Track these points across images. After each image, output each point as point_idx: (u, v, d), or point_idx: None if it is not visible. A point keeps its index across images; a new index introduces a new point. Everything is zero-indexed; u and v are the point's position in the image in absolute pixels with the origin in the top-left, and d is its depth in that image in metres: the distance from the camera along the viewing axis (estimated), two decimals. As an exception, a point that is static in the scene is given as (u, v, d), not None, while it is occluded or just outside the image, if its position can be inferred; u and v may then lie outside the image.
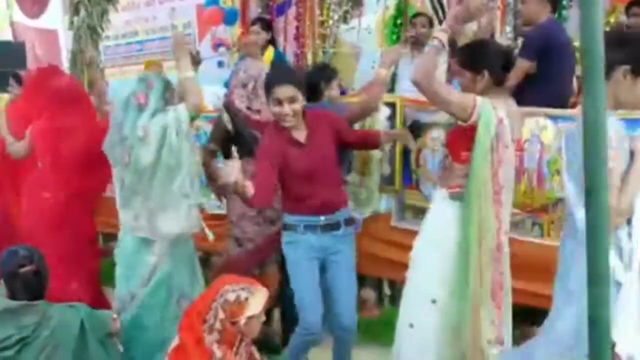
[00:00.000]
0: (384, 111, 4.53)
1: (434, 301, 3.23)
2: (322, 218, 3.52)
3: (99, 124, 4.40)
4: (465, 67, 3.22)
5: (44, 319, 3.02)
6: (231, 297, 2.75)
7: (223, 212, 4.49)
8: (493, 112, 3.05)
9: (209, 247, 4.67)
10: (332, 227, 3.55)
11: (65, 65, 7.23)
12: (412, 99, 4.74)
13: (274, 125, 3.54)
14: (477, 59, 3.19)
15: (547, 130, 4.10)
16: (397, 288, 4.61)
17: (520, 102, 4.49)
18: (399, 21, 6.79)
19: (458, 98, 3.09)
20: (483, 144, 3.05)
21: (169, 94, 3.75)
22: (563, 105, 4.47)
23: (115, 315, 3.44)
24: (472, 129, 3.06)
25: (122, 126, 3.67)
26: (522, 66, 4.64)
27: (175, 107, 3.67)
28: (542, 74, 4.65)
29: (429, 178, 4.46)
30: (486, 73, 3.15)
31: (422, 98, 4.60)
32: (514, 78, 4.63)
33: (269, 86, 3.49)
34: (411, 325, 3.34)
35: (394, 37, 6.83)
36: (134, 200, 3.67)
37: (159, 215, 3.64)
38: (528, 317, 4.05)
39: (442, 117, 4.30)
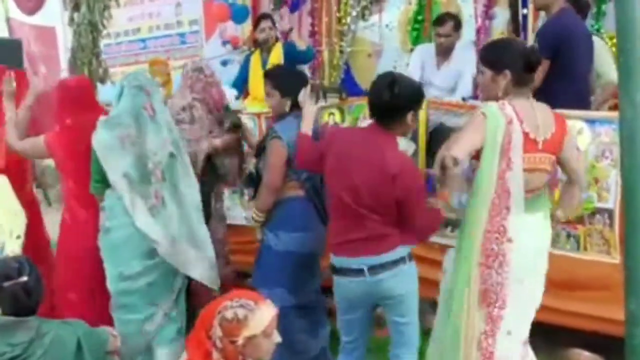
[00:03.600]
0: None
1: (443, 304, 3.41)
2: None
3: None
4: (486, 65, 3.31)
5: (38, 336, 3.01)
6: (229, 314, 2.71)
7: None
8: (500, 112, 3.15)
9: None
10: None
11: (63, 63, 7.28)
12: (438, 101, 4.73)
13: None
14: (499, 58, 3.27)
15: (582, 135, 4.07)
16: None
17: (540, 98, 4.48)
18: (420, 17, 6.75)
19: (472, 128, 3.20)
20: (490, 146, 3.14)
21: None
22: (582, 104, 4.42)
23: (115, 332, 3.44)
24: None
25: (141, 144, 3.84)
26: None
27: None
28: (556, 72, 4.57)
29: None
30: (508, 73, 3.22)
31: (449, 100, 4.62)
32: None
33: None
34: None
35: (415, 34, 6.80)
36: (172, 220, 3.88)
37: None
38: (569, 340, 4.03)
39: (469, 120, 4.28)
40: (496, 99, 3.26)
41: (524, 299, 3.30)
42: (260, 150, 4.14)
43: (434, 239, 4.28)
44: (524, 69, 3.24)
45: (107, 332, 3.39)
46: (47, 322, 3.11)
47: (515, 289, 3.24)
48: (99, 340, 3.27)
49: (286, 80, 4.08)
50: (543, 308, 4.00)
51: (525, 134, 3.16)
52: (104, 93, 5.83)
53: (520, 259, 3.23)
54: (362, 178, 3.39)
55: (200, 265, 3.96)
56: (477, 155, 3.22)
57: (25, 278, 3.02)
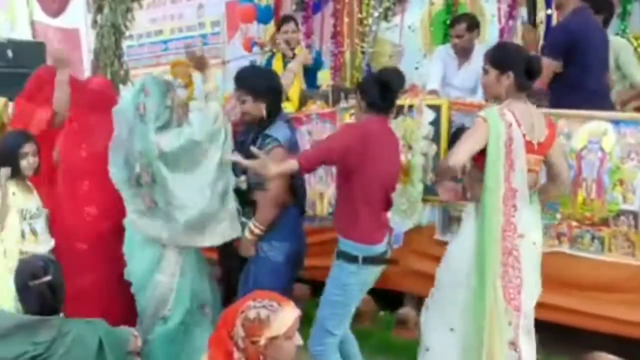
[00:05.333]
0: (428, 115, 4.51)
1: (463, 307, 3.51)
2: None
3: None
4: (492, 64, 3.53)
5: (60, 335, 3.04)
6: (251, 314, 2.70)
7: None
8: (500, 117, 3.38)
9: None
10: None
11: (86, 65, 7.36)
12: (460, 102, 4.72)
13: None
14: (505, 59, 3.51)
15: (607, 136, 4.05)
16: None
17: (553, 103, 4.47)
18: (446, 17, 6.71)
19: (472, 136, 3.43)
20: (494, 150, 3.37)
21: (170, 100, 3.91)
22: (600, 104, 4.40)
23: (136, 333, 3.46)
24: None
25: (130, 143, 3.83)
26: (547, 65, 4.55)
27: (189, 123, 3.85)
28: (571, 73, 4.57)
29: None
30: (511, 74, 3.46)
31: (471, 101, 4.61)
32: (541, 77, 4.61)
33: None
34: (452, 329, 3.59)
35: (441, 35, 6.78)
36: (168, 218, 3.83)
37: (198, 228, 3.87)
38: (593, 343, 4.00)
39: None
40: (500, 98, 3.51)
41: (528, 291, 3.48)
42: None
43: (445, 237, 4.38)
44: (525, 74, 3.47)
45: (129, 332, 3.41)
46: (69, 321, 3.14)
47: (525, 282, 3.45)
48: (121, 340, 3.29)
49: (258, 82, 3.93)
50: (566, 310, 4.00)
51: (523, 136, 3.41)
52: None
53: (528, 253, 3.48)
54: (395, 166, 3.79)
55: (219, 231, 3.92)
56: (478, 158, 3.43)
57: (50, 277, 3.06)
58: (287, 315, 2.71)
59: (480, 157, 3.43)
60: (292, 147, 3.90)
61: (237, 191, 3.94)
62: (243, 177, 3.93)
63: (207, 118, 3.84)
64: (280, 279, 3.83)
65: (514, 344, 3.47)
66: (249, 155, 3.59)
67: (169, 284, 3.91)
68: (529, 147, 3.44)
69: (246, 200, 3.94)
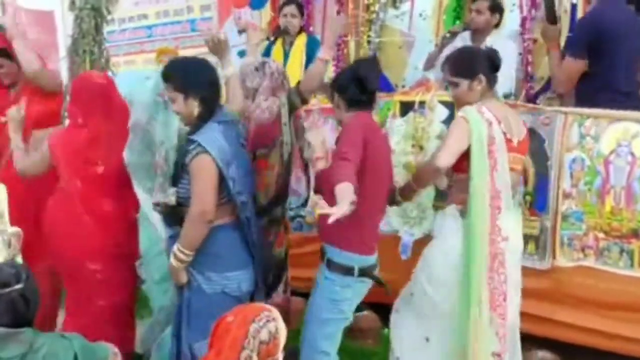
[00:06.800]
0: (440, 112, 4.50)
1: (443, 316, 3.73)
2: None
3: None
4: (460, 75, 3.78)
5: (31, 351, 3.01)
6: (263, 335, 2.78)
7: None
8: (480, 116, 3.64)
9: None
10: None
11: (62, 51, 7.32)
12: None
13: None
14: (471, 65, 3.78)
15: (639, 138, 4.05)
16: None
17: (579, 102, 4.47)
18: (459, 3, 6.70)
19: (455, 137, 3.66)
20: (477, 150, 3.60)
21: None
22: (630, 107, 4.37)
23: (116, 350, 3.45)
24: None
25: (150, 131, 3.90)
26: (570, 66, 4.62)
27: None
28: (597, 72, 4.57)
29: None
30: (482, 77, 3.74)
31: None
32: (563, 79, 4.63)
33: None
34: (427, 340, 3.81)
35: (452, 21, 6.76)
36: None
37: None
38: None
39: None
40: (473, 104, 3.72)
41: (512, 297, 3.71)
42: (179, 171, 3.77)
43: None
44: (492, 70, 3.79)
45: (108, 349, 3.39)
46: (41, 336, 3.11)
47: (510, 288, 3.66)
48: (98, 357, 3.28)
49: (188, 76, 3.68)
50: (590, 331, 4.00)
51: (504, 134, 3.66)
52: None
53: (512, 257, 3.70)
54: (390, 164, 3.95)
55: None
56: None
57: (22, 285, 3.04)
58: (280, 318, 2.89)
59: (460, 160, 3.65)
60: (223, 154, 3.63)
61: (165, 207, 3.77)
62: (172, 190, 3.74)
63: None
64: (220, 312, 3.45)
65: (499, 356, 3.63)
66: (178, 163, 3.71)
67: None
68: (509, 145, 3.68)
69: (176, 218, 3.74)
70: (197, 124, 3.69)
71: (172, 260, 3.66)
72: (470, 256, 3.60)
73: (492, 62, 3.79)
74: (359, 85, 3.72)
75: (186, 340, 3.75)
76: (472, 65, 3.77)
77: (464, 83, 3.76)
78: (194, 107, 3.65)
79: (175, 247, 3.63)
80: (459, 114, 3.71)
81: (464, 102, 3.78)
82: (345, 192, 3.21)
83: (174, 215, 3.74)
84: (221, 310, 3.55)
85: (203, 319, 3.57)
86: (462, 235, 3.67)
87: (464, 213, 3.71)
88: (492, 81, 3.80)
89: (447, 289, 3.69)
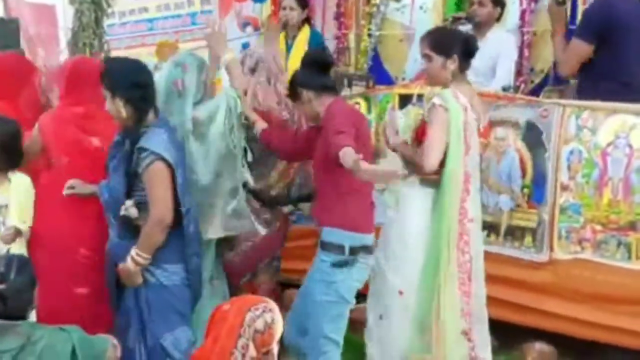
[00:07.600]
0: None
1: (401, 292, 3.84)
2: None
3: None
4: (436, 50, 3.84)
5: (29, 343, 3.03)
6: (260, 324, 2.83)
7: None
8: (456, 102, 3.72)
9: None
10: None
11: (63, 44, 7.35)
12: (477, 91, 4.70)
13: None
14: (448, 43, 3.86)
15: (636, 131, 4.06)
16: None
17: (581, 94, 4.47)
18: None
19: (438, 135, 3.72)
20: (455, 138, 3.70)
21: (205, 75, 4.07)
22: (632, 99, 4.33)
23: (115, 342, 3.46)
24: None
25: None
26: (577, 48, 4.59)
27: (225, 92, 4.01)
28: (601, 61, 4.56)
29: (491, 185, 4.44)
30: (456, 57, 3.82)
31: (487, 90, 4.63)
32: (568, 61, 4.61)
33: None
34: (380, 317, 3.93)
35: (453, 12, 6.75)
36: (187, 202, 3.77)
37: (208, 214, 3.98)
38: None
39: (512, 113, 4.31)
40: (445, 84, 3.81)
41: (477, 276, 3.82)
42: (132, 180, 3.72)
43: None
44: (466, 54, 3.87)
45: (107, 341, 3.39)
46: (39, 328, 3.13)
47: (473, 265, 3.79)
48: (97, 350, 3.28)
49: (115, 75, 3.68)
50: (588, 324, 4.01)
51: (476, 120, 3.81)
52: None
53: (476, 238, 3.84)
54: (371, 143, 4.17)
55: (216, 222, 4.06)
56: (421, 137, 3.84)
57: (6, 285, 3.03)
58: (277, 309, 2.94)
59: (423, 136, 3.79)
60: (173, 158, 3.63)
61: (125, 218, 3.71)
62: (130, 202, 3.70)
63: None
64: (179, 303, 3.77)
65: (466, 334, 3.75)
66: (129, 173, 3.65)
67: None
68: (477, 130, 3.85)
69: (136, 228, 3.70)
70: (130, 126, 3.67)
71: (130, 264, 3.65)
72: (439, 235, 3.71)
73: (468, 47, 3.88)
74: (318, 67, 3.89)
75: (153, 337, 3.76)
76: (449, 44, 3.85)
77: (438, 60, 3.83)
78: (120, 107, 3.62)
79: (133, 252, 3.63)
80: (436, 100, 3.74)
81: (436, 80, 3.89)
82: (349, 154, 3.32)
83: (129, 226, 3.72)
84: (181, 301, 3.77)
85: (165, 312, 3.71)
86: (427, 216, 3.80)
87: (423, 181, 3.85)
88: (464, 65, 3.89)
89: (401, 265, 3.84)
